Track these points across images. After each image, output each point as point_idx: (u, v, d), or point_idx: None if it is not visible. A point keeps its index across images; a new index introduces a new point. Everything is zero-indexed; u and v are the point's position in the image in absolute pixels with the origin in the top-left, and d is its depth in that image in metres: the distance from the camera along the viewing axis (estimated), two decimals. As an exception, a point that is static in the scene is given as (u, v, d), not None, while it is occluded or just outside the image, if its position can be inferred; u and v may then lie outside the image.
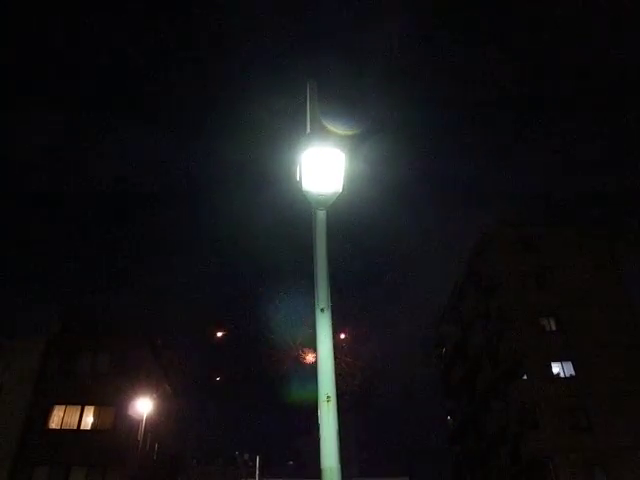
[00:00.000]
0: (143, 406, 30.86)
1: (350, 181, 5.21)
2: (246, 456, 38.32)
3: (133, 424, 31.81)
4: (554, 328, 35.99)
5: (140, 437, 32.73)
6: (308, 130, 5.57)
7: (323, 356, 4.44)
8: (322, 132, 5.37)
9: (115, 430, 31.22)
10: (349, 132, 5.64)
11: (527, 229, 40.47)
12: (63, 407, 32.01)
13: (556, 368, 34.54)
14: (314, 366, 4.45)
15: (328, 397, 4.25)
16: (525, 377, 34.77)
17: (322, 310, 4.64)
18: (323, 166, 5.04)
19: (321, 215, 5.06)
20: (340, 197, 5.11)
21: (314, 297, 4.77)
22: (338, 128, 5.50)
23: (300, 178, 5.09)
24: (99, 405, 32.23)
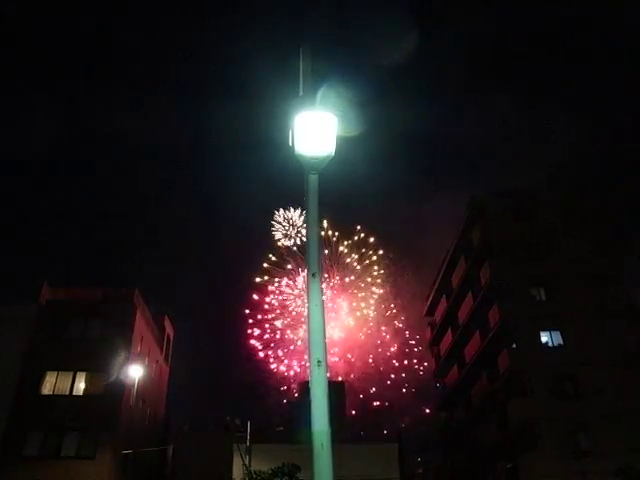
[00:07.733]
0: (135, 372, 31.08)
1: (341, 144, 5.14)
2: (237, 421, 38.68)
3: (125, 389, 32.06)
4: (544, 298, 36.25)
5: (132, 402, 33.03)
6: (301, 94, 5.49)
7: (314, 320, 4.42)
8: (315, 96, 5.30)
9: (107, 395, 31.43)
10: (342, 96, 5.56)
11: (520, 198, 40.13)
12: (55, 373, 32.15)
13: (545, 337, 34.92)
14: None
15: (319, 362, 4.24)
16: (514, 346, 35.15)
17: (313, 275, 4.59)
18: (315, 129, 4.97)
19: (313, 179, 5.01)
20: (332, 160, 5.06)
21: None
22: (331, 92, 5.42)
23: (293, 142, 5.02)
24: (91, 371, 32.40)
